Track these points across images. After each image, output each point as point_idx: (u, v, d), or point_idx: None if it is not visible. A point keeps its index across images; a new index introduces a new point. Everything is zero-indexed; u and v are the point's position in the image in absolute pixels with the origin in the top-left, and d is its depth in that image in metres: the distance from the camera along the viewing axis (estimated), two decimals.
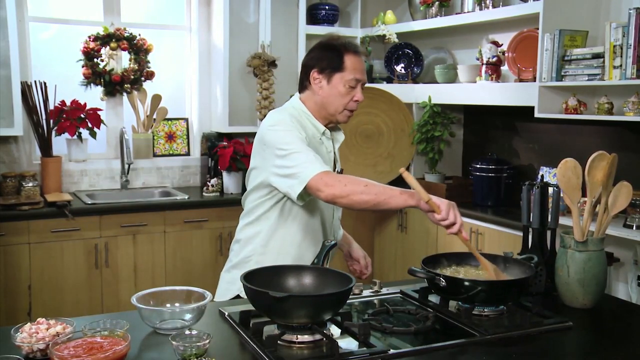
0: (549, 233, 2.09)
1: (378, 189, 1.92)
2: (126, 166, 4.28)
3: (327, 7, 4.62)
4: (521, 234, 2.17)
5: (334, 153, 2.23)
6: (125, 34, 4.23)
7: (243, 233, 2.22)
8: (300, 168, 1.97)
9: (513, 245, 3.21)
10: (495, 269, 1.92)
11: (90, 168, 4.26)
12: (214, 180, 4.24)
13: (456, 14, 4.09)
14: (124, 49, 4.24)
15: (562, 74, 3.26)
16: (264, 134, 2.10)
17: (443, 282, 1.81)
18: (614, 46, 2.98)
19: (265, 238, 2.16)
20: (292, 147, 2.01)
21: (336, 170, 2.22)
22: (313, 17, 4.63)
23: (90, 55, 4.16)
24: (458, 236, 1.90)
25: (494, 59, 3.80)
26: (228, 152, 4.21)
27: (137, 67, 4.26)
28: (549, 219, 2.08)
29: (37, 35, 4.19)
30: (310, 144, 2.08)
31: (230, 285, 2.21)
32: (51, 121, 4.00)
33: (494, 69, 3.80)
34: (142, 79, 4.32)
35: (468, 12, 3.97)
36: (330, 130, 2.22)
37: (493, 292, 1.80)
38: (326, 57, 2.12)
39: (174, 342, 1.48)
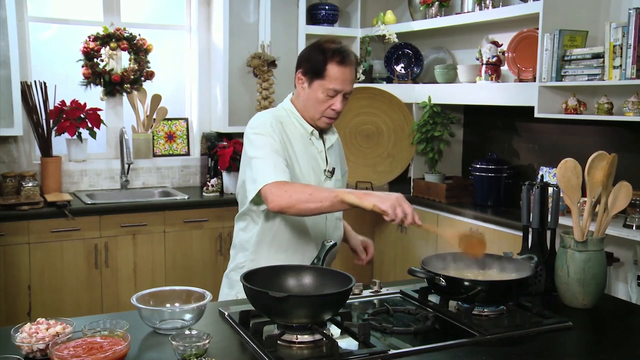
0: (548, 233, 2.09)
1: (323, 195, 1.93)
2: (126, 166, 4.28)
3: (327, 7, 4.62)
4: (521, 234, 2.17)
5: (325, 152, 2.21)
6: (125, 34, 4.23)
7: (237, 238, 2.27)
8: (258, 175, 2.02)
9: (513, 245, 3.21)
10: (463, 236, 1.91)
11: (90, 168, 4.26)
12: (213, 180, 4.24)
13: (456, 14, 4.09)
14: (123, 49, 4.24)
15: (562, 74, 3.26)
16: (244, 137, 2.16)
17: (443, 282, 1.81)
18: (614, 46, 2.98)
19: (255, 245, 2.19)
20: (259, 153, 2.05)
21: (326, 170, 2.19)
22: (313, 17, 4.63)
23: (90, 55, 4.16)
24: (414, 225, 1.89)
25: (494, 59, 3.80)
26: (228, 152, 4.22)
27: (137, 67, 4.26)
28: (549, 219, 2.08)
29: (37, 35, 4.19)
30: (299, 144, 2.13)
31: (229, 290, 2.25)
32: (51, 121, 4.00)
33: (494, 69, 3.80)
34: (142, 79, 4.32)
35: (468, 12, 3.97)
36: (321, 130, 2.21)
37: (493, 292, 1.80)
38: (312, 59, 2.11)
39: (174, 342, 1.48)
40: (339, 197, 1.91)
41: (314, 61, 2.10)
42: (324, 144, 2.23)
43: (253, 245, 2.18)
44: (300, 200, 1.94)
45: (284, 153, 2.08)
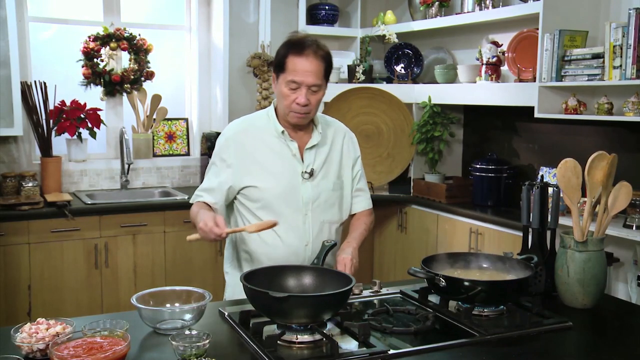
0: (548, 233, 2.09)
1: (193, 215, 2.07)
2: (126, 166, 4.28)
3: (327, 7, 4.62)
4: (521, 234, 2.17)
5: (302, 153, 2.16)
6: (125, 34, 4.23)
7: (226, 245, 2.34)
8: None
9: (513, 245, 3.22)
10: (262, 224, 1.98)
11: (90, 168, 4.26)
12: None
13: (456, 14, 4.09)
14: (123, 49, 4.24)
15: (562, 74, 3.26)
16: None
17: (443, 282, 1.81)
18: (614, 46, 2.98)
19: (234, 253, 2.26)
20: (209, 168, 2.22)
21: (304, 171, 2.15)
22: (313, 17, 4.63)
23: (90, 55, 4.16)
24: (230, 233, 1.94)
25: (494, 59, 3.80)
26: None
27: (137, 67, 4.26)
28: (549, 219, 2.08)
29: (37, 35, 4.19)
30: (274, 147, 2.14)
31: (234, 287, 2.26)
32: (51, 121, 4.00)
33: (494, 69, 3.80)
34: (142, 79, 4.32)
35: (468, 12, 3.97)
36: (299, 131, 2.17)
37: (493, 292, 1.80)
38: (277, 55, 2.12)
39: (174, 342, 1.48)
40: (198, 218, 1.99)
41: (277, 56, 2.10)
42: (306, 144, 2.16)
43: (231, 254, 2.28)
44: (192, 218, 2.10)
45: (237, 169, 2.13)
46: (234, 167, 2.14)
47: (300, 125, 2.16)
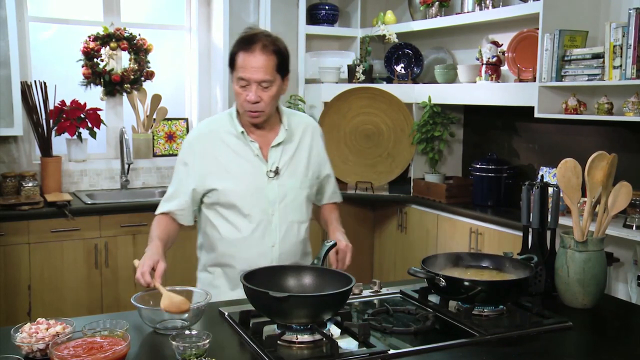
0: (548, 233, 2.09)
1: (150, 234, 2.11)
2: (126, 166, 4.28)
3: (327, 7, 4.62)
4: (521, 234, 2.17)
5: (263, 152, 2.13)
6: (125, 34, 4.23)
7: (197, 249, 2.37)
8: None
9: (513, 245, 3.21)
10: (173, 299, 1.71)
11: (90, 168, 4.26)
12: None
13: (456, 14, 4.09)
14: (123, 49, 4.24)
15: (562, 74, 3.26)
16: None
17: (443, 282, 1.81)
18: (614, 46, 2.98)
19: (203, 256, 2.28)
20: (173, 173, 2.20)
21: (269, 170, 2.11)
22: (313, 17, 4.63)
23: (90, 55, 4.16)
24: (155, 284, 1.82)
25: (494, 59, 3.80)
26: None
27: (137, 67, 4.26)
28: (549, 219, 2.08)
29: (37, 35, 4.19)
30: (235, 147, 2.11)
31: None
32: (51, 121, 4.00)
33: (494, 69, 3.80)
34: (142, 79, 4.32)
35: (468, 12, 3.96)
36: (263, 129, 2.13)
37: (493, 292, 1.80)
38: (230, 52, 2.07)
39: (174, 342, 1.48)
40: (150, 244, 2.04)
41: (230, 54, 2.07)
42: (261, 147, 2.13)
43: (203, 264, 2.29)
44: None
45: (199, 171, 2.11)
46: (197, 169, 2.12)
47: (261, 124, 2.12)
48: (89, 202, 3.81)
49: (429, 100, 4.19)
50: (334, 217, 2.31)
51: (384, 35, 4.41)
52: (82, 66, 4.17)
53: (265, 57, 2.00)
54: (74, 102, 4.10)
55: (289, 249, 2.17)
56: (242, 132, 2.11)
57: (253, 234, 2.11)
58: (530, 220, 2.08)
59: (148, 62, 4.32)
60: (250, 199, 2.10)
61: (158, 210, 2.17)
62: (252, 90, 2.01)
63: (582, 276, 1.91)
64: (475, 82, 3.92)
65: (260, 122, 2.10)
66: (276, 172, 2.12)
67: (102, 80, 4.20)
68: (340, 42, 4.82)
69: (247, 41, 2.02)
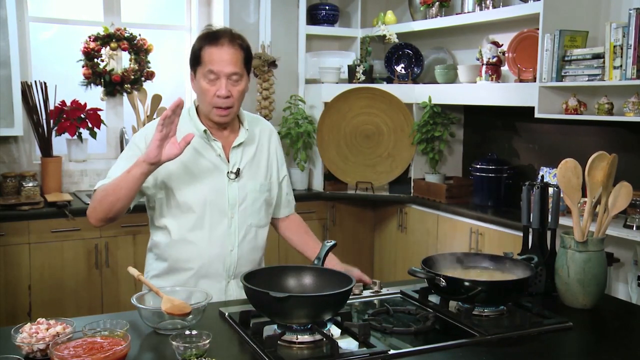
0: (549, 233, 2.09)
1: (113, 184, 1.99)
2: None
3: (327, 7, 4.62)
4: (521, 234, 2.17)
5: (224, 152, 2.07)
6: (126, 34, 4.23)
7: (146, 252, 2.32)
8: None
9: (513, 245, 3.21)
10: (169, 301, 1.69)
11: (91, 168, 4.26)
12: None
13: (456, 14, 4.09)
14: (124, 49, 4.24)
15: (562, 74, 3.26)
16: None
17: (443, 283, 1.81)
18: (614, 46, 2.98)
19: (154, 260, 2.28)
20: (122, 153, 2.15)
21: (230, 171, 2.06)
22: (313, 17, 4.63)
23: (90, 56, 4.16)
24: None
25: (494, 59, 3.80)
26: None
27: (137, 67, 4.26)
28: (549, 220, 2.08)
29: (37, 35, 4.19)
30: (196, 148, 2.03)
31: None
32: (51, 121, 4.00)
33: (494, 69, 3.80)
34: (142, 79, 4.32)
35: (468, 12, 3.97)
36: (224, 130, 2.09)
37: (493, 293, 1.80)
38: (191, 52, 2.02)
39: (174, 342, 1.48)
40: (131, 170, 1.92)
41: (192, 50, 2.02)
42: (223, 147, 2.08)
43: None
44: (95, 200, 2.03)
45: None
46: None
47: (225, 124, 2.07)
48: (89, 202, 3.80)
49: (429, 101, 4.19)
50: (312, 240, 2.27)
51: (384, 36, 4.41)
52: (83, 66, 4.17)
53: (234, 50, 1.98)
54: (74, 102, 4.10)
55: (248, 254, 2.12)
56: (205, 130, 2.05)
57: (211, 238, 2.06)
58: (531, 220, 2.08)
59: (148, 62, 4.32)
60: (210, 200, 2.04)
61: (98, 185, 2.08)
62: (222, 85, 1.96)
63: (582, 276, 1.91)
64: (475, 82, 3.92)
65: (228, 120, 2.05)
66: (237, 174, 2.07)
67: (102, 80, 4.20)
68: (341, 42, 4.82)
69: (212, 36, 1.99)
